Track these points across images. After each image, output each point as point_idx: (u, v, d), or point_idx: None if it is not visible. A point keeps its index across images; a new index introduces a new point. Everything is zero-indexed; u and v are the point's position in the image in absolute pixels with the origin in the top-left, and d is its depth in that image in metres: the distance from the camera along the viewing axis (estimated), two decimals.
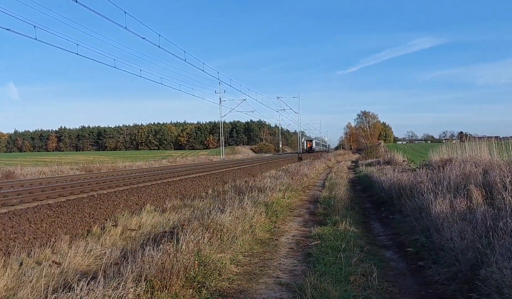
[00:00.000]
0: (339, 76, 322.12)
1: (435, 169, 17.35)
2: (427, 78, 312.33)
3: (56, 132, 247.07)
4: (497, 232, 7.30)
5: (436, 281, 7.63)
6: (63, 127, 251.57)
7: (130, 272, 6.86)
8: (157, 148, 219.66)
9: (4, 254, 8.99)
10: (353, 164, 58.06)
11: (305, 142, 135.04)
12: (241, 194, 15.28)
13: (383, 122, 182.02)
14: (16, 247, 9.37)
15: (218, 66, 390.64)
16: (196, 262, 7.66)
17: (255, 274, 8.21)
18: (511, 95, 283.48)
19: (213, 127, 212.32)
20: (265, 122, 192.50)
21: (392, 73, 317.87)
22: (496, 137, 23.57)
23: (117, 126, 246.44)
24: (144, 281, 6.78)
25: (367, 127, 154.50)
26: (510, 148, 16.48)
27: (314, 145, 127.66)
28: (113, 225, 12.25)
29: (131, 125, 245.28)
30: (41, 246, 9.80)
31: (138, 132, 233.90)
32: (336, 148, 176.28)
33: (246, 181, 23.64)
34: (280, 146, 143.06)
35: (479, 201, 10.33)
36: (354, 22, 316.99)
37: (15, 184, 19.11)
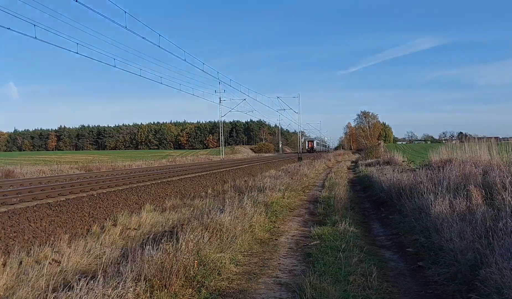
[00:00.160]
0: (339, 76, 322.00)
1: (434, 169, 17.35)
2: (427, 79, 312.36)
3: (55, 131, 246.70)
4: (497, 233, 7.30)
5: (435, 281, 7.63)
6: (62, 126, 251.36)
7: (129, 272, 6.86)
8: (156, 147, 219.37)
9: (4, 253, 8.99)
10: (352, 164, 58.05)
11: (306, 142, 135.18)
12: (241, 194, 15.28)
13: (383, 122, 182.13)
14: (15, 246, 9.36)
15: (218, 65, 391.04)
16: (196, 261, 7.66)
17: (255, 273, 8.21)
18: (511, 96, 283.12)
19: (212, 127, 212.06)
20: (265, 122, 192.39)
21: (392, 73, 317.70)
22: (496, 138, 23.64)
23: (116, 125, 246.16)
24: (144, 280, 6.78)
25: (367, 127, 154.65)
26: (510, 148, 16.47)
27: (315, 145, 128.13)
28: (112, 225, 12.25)
29: (130, 124, 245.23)
30: (40, 245, 9.79)
31: (138, 132, 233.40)
32: (336, 148, 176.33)
33: (245, 180, 23.63)
34: (280, 146, 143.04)
35: (478, 201, 10.33)
36: (354, 22, 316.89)
37: (15, 183, 19.11)
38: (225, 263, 8.21)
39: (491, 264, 6.40)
